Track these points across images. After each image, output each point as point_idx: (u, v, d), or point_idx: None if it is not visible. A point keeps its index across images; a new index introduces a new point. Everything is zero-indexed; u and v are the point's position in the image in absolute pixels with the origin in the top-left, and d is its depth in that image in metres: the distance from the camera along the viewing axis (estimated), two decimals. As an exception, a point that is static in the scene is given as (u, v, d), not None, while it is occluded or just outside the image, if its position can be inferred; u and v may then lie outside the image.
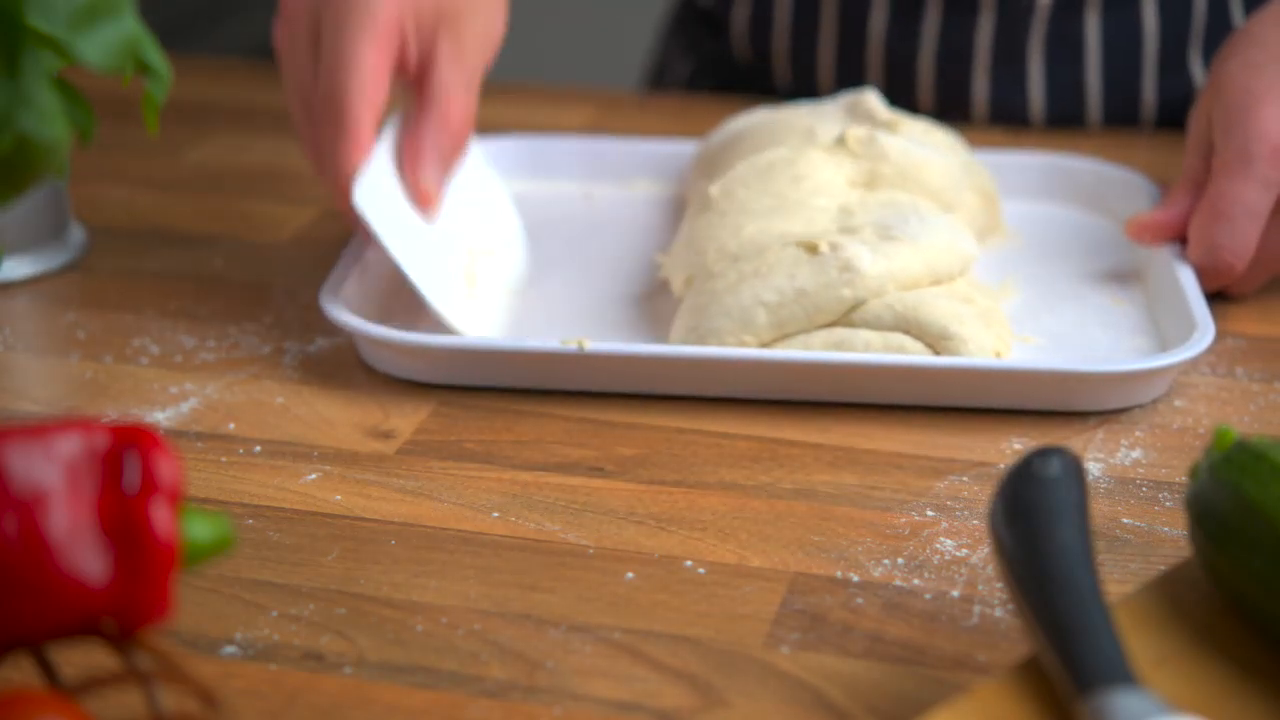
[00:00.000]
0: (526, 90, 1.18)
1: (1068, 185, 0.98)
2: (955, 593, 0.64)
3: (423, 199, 0.82)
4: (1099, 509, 0.70)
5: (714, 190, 0.86)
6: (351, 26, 0.80)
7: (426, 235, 0.82)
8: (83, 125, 0.60)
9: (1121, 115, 1.10)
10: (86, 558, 0.50)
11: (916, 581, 0.65)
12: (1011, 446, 0.75)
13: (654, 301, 0.86)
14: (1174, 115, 1.09)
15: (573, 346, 0.76)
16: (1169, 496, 0.71)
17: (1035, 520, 0.55)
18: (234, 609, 0.63)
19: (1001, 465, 0.73)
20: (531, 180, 1.00)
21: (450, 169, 0.83)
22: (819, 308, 0.77)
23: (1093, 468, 0.73)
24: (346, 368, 0.81)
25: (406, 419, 0.77)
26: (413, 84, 0.84)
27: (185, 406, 0.78)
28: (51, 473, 0.50)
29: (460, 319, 0.80)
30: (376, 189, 0.80)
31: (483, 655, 0.61)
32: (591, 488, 0.71)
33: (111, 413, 0.77)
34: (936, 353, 0.77)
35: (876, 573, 0.66)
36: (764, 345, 0.78)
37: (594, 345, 0.77)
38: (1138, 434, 0.75)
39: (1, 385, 0.80)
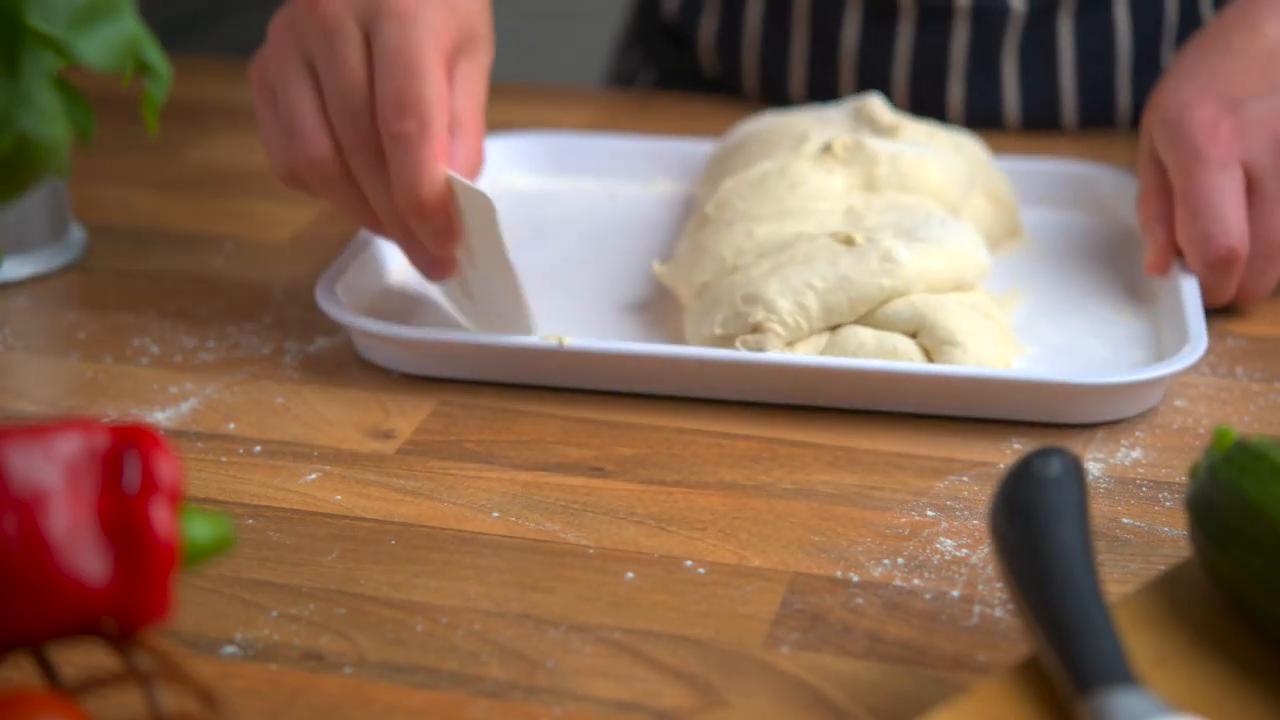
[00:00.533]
0: (527, 89, 1.18)
1: (1087, 193, 0.97)
2: (955, 593, 0.64)
3: None
4: (1099, 509, 0.70)
5: (709, 207, 0.86)
6: (418, 35, 0.76)
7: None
8: (83, 125, 0.60)
9: (1097, 118, 1.11)
10: (86, 558, 0.50)
11: (916, 581, 0.65)
12: (1011, 447, 0.75)
13: (656, 306, 0.86)
14: None
15: (552, 343, 0.77)
16: (1169, 496, 0.71)
17: (1035, 520, 0.55)
18: (234, 609, 0.63)
19: (1001, 465, 0.73)
20: (544, 176, 1.01)
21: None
22: (862, 296, 0.77)
23: (1093, 468, 0.73)
24: (346, 368, 0.81)
25: (406, 419, 0.77)
26: None
27: (185, 406, 0.78)
28: (51, 473, 0.50)
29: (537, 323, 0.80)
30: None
31: (483, 655, 0.61)
32: (591, 488, 0.71)
33: (111, 413, 0.77)
34: (932, 359, 0.77)
35: (876, 573, 0.66)
36: (811, 333, 0.78)
37: (573, 342, 0.77)
38: (1138, 434, 0.75)
39: (1, 385, 0.80)
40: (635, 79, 1.25)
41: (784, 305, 0.77)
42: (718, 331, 0.78)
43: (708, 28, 1.15)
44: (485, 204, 0.75)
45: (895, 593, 0.65)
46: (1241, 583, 0.56)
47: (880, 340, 0.77)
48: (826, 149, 0.86)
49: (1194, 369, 0.81)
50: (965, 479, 0.72)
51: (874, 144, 0.86)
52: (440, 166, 0.76)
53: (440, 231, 0.78)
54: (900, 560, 0.66)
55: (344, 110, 0.77)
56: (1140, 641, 0.55)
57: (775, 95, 1.14)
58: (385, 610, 0.64)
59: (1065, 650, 0.52)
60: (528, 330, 0.78)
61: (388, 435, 0.75)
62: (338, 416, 0.77)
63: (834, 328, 0.78)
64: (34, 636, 0.51)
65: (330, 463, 0.73)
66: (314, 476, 0.72)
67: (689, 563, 0.66)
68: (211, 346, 0.83)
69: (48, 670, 0.52)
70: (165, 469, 0.51)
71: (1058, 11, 1.08)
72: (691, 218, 0.90)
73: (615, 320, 0.84)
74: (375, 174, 0.78)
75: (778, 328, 0.77)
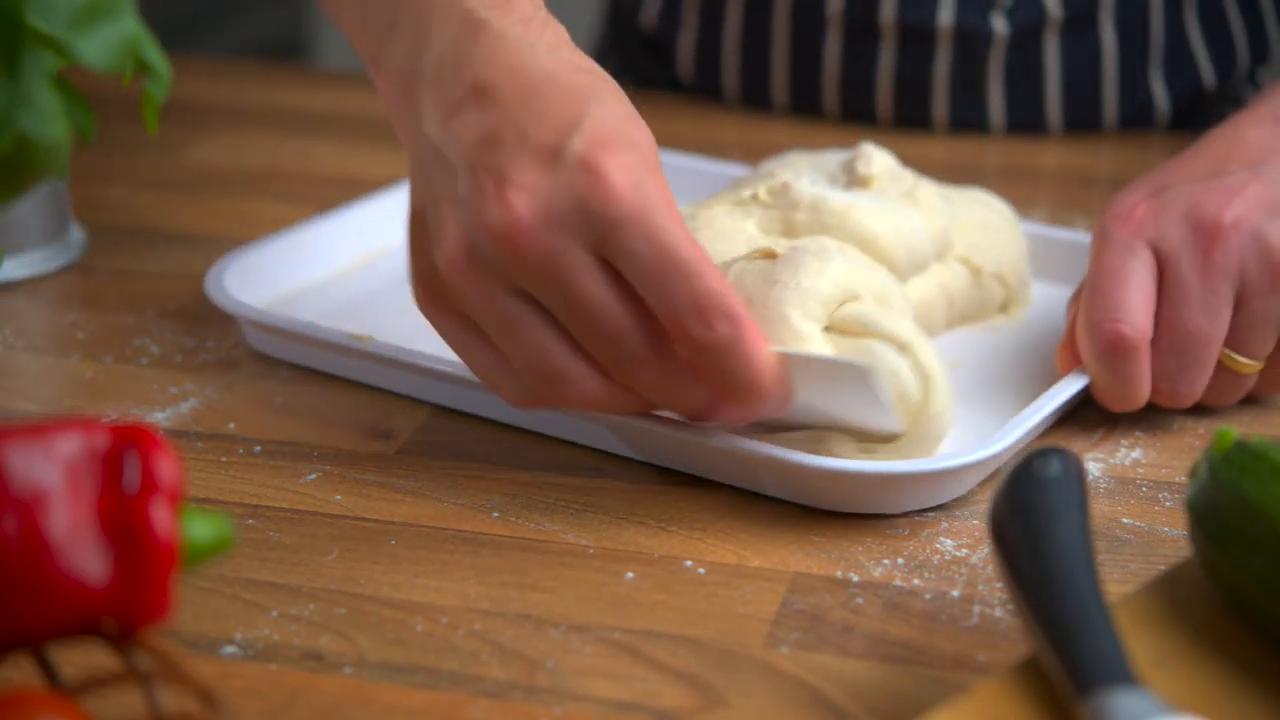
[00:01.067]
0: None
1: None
2: (955, 593, 0.64)
3: None
4: (1099, 509, 0.70)
5: None
6: (665, 227, 0.64)
7: None
8: (83, 125, 0.60)
9: (1083, 136, 1.11)
10: (86, 558, 0.50)
11: (916, 581, 0.65)
12: (1011, 446, 0.75)
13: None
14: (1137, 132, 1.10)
15: (356, 342, 0.77)
16: (1169, 496, 0.71)
17: (1035, 520, 0.55)
18: (234, 609, 0.64)
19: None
20: None
21: None
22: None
23: (1093, 468, 0.73)
24: (346, 368, 0.81)
25: (406, 419, 0.77)
26: None
27: (185, 406, 0.78)
28: (51, 473, 0.50)
29: None
30: None
31: (483, 655, 0.61)
32: (591, 488, 0.71)
33: (111, 413, 0.77)
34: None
35: (876, 573, 0.66)
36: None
37: (378, 342, 0.77)
38: (1138, 434, 0.75)
39: (1, 385, 0.80)
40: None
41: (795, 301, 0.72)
42: None
43: (687, 39, 1.15)
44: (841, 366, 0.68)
45: (895, 593, 0.65)
46: (1241, 583, 0.56)
47: (858, 345, 0.71)
48: (754, 195, 0.81)
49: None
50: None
51: (800, 189, 0.80)
52: (767, 350, 0.66)
53: (782, 403, 0.68)
54: (900, 560, 0.66)
55: (606, 341, 0.65)
56: (1140, 641, 0.55)
57: (758, 107, 1.14)
58: (385, 610, 0.64)
59: (1065, 650, 0.52)
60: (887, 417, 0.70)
61: (387, 435, 0.75)
62: (338, 416, 0.77)
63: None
64: (34, 636, 0.51)
65: (330, 463, 0.73)
66: (314, 476, 0.72)
67: (689, 563, 0.66)
68: (211, 346, 0.83)
69: (48, 670, 0.52)
70: (165, 469, 0.51)
71: (1043, 32, 1.08)
72: None
73: None
74: (677, 382, 0.67)
75: None
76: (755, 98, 1.14)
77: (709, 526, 0.69)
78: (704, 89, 1.16)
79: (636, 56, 1.20)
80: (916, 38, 1.08)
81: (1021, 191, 0.99)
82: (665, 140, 1.04)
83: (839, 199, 0.80)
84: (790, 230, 0.80)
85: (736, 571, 0.66)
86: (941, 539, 0.68)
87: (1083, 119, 1.10)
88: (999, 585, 0.64)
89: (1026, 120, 1.10)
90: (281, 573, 0.66)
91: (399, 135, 0.70)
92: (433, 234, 0.67)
